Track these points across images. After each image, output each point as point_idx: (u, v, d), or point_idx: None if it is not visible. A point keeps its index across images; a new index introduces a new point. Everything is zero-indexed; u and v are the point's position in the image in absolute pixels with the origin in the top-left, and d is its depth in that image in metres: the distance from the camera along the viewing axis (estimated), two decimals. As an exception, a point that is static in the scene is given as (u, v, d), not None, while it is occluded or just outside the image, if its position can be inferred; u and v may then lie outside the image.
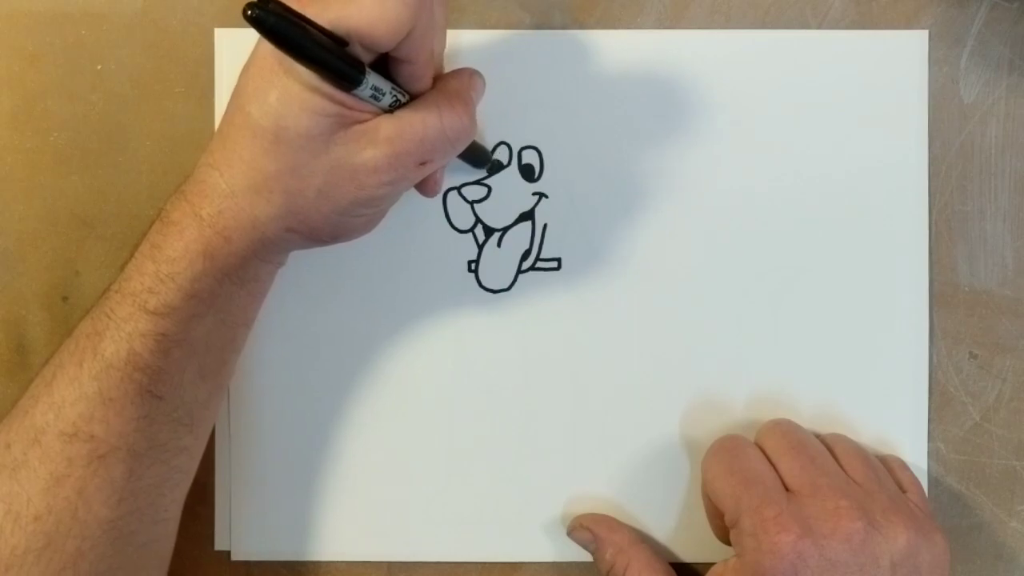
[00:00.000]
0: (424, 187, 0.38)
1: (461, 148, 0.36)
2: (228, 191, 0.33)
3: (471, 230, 0.42)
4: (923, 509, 0.37)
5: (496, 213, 0.42)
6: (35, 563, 0.32)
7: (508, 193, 0.42)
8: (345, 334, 0.42)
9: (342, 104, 0.32)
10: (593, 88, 0.41)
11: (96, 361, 0.33)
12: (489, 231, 0.42)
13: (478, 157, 0.40)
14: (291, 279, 0.41)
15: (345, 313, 0.42)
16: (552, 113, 0.41)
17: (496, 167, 0.41)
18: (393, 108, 0.33)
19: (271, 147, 0.32)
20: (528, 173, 0.42)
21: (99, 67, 0.42)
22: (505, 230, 0.42)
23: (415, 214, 0.42)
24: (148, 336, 0.34)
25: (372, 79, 0.31)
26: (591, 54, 0.41)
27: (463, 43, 0.41)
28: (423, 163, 0.34)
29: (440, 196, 0.42)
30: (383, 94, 0.32)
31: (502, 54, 0.41)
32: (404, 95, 0.34)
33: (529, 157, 0.42)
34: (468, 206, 0.42)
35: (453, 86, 0.35)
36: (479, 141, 0.40)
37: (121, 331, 0.34)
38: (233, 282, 0.35)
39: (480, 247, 0.42)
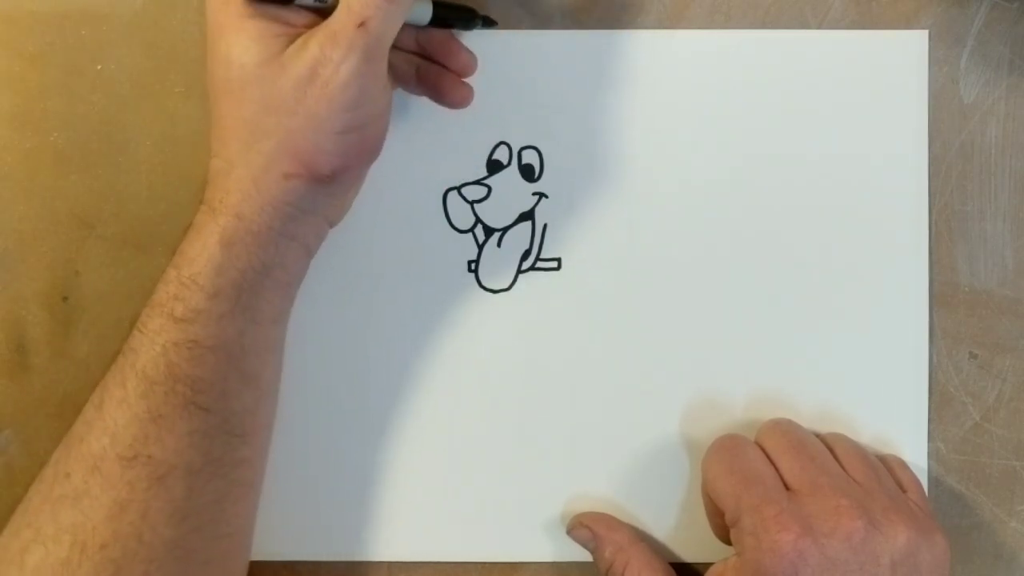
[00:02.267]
0: (451, 97, 0.39)
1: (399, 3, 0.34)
2: (226, 166, 0.34)
3: (471, 230, 0.42)
4: (923, 508, 0.37)
5: (496, 213, 0.42)
6: None
7: (508, 193, 0.42)
8: (344, 334, 0.42)
9: (287, 23, 0.33)
10: (593, 88, 0.41)
11: (138, 379, 0.33)
12: (489, 231, 0.42)
13: (460, 18, 0.39)
14: (291, 279, 0.41)
15: (344, 313, 0.42)
16: (552, 113, 0.41)
17: (489, 22, 0.40)
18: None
19: (241, 93, 0.33)
20: (528, 173, 0.42)
21: (99, 67, 0.42)
22: (505, 230, 0.42)
23: (415, 214, 0.42)
24: (181, 345, 0.34)
25: None
26: (591, 54, 0.41)
27: (463, 43, 0.41)
28: (360, 24, 0.33)
29: (440, 196, 0.42)
30: None
31: (502, 54, 0.41)
32: None
33: (529, 157, 0.42)
34: (468, 206, 0.42)
35: None
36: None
37: (155, 345, 0.34)
38: (256, 271, 0.35)
39: (480, 247, 0.42)
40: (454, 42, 0.39)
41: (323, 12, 0.34)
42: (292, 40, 0.33)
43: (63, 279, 0.42)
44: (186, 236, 0.35)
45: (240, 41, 0.33)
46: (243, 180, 0.34)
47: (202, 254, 0.34)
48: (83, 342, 0.42)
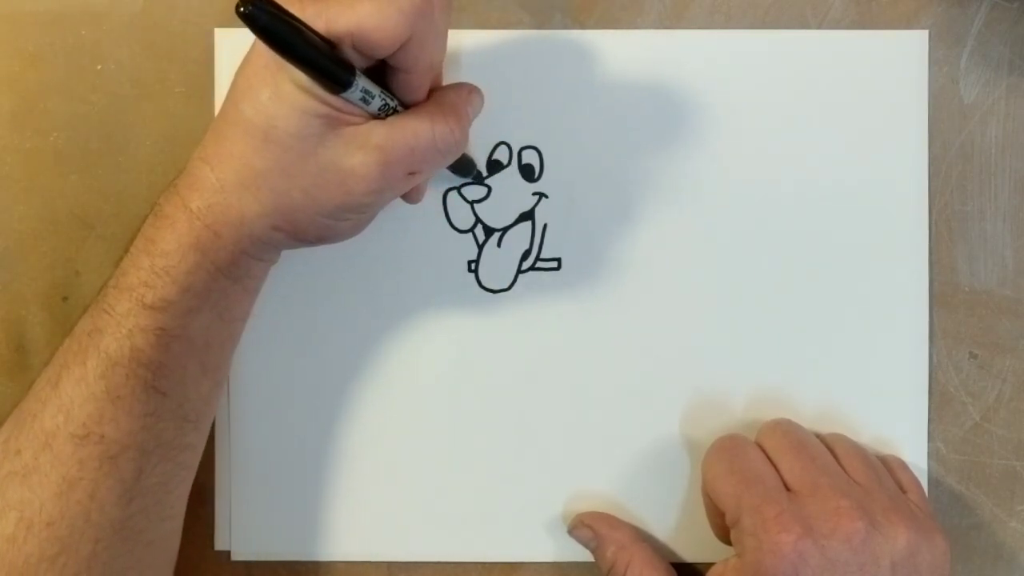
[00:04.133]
0: (409, 195, 0.39)
1: (451, 160, 0.36)
2: (218, 186, 0.34)
3: (471, 230, 0.42)
4: (923, 509, 0.37)
5: (496, 213, 0.42)
6: (49, 570, 0.32)
7: (508, 193, 0.42)
8: (345, 334, 0.42)
9: (332, 106, 0.32)
10: (593, 88, 0.41)
11: (100, 359, 0.33)
12: (489, 231, 0.42)
13: (464, 167, 0.40)
14: (291, 279, 0.41)
15: (345, 313, 0.42)
16: (552, 113, 0.41)
17: (479, 176, 0.41)
18: (383, 113, 0.33)
19: (261, 145, 0.33)
20: (528, 173, 0.42)
21: (99, 67, 0.42)
22: (505, 230, 0.42)
23: (415, 214, 0.42)
24: (148, 331, 0.34)
25: (363, 83, 0.31)
26: (591, 54, 0.41)
27: (463, 43, 0.41)
28: (412, 173, 0.34)
29: (440, 196, 0.42)
30: (372, 97, 0.32)
31: (502, 54, 0.41)
32: (393, 100, 0.34)
33: (529, 157, 0.42)
34: (468, 206, 0.42)
35: (450, 99, 0.35)
36: (467, 152, 0.40)
37: (122, 327, 0.34)
38: (227, 277, 0.35)
39: (480, 247, 0.42)
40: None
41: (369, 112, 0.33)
42: (330, 124, 0.32)
43: (63, 279, 0.42)
44: (156, 223, 0.34)
45: (282, 104, 0.32)
46: (231, 210, 0.34)
47: (176, 251, 0.34)
48: (83, 342, 0.42)
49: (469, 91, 0.37)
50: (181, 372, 0.35)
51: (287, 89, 0.32)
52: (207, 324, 0.35)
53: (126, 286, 0.34)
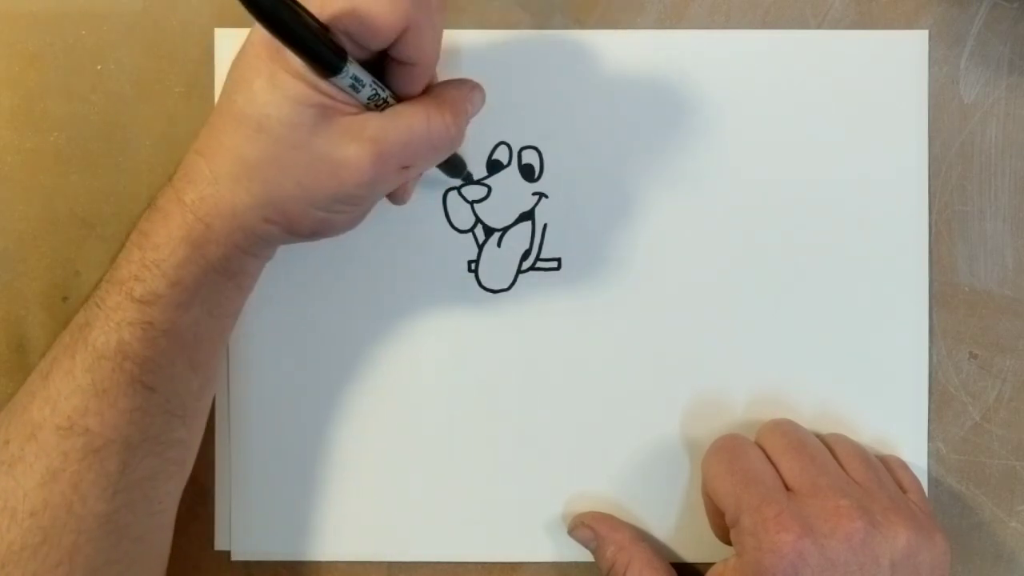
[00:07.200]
0: (395, 195, 0.39)
1: (445, 156, 0.36)
2: (211, 178, 0.34)
3: (471, 230, 0.42)
4: (923, 509, 0.37)
5: (496, 213, 0.42)
6: (31, 558, 0.33)
7: (508, 193, 0.42)
8: (345, 334, 0.42)
9: (326, 95, 0.32)
10: (593, 88, 0.41)
11: (88, 352, 0.34)
12: (489, 231, 0.42)
13: (455, 167, 0.40)
14: (291, 279, 0.41)
15: (345, 313, 0.42)
16: (552, 113, 0.41)
17: (469, 177, 0.41)
18: (372, 103, 0.33)
19: (254, 135, 0.33)
20: (528, 173, 0.42)
21: (99, 67, 0.42)
22: (505, 230, 0.42)
23: (415, 214, 0.42)
24: (136, 325, 0.34)
25: (353, 69, 0.31)
26: (591, 54, 0.41)
27: (463, 43, 0.41)
28: (405, 167, 0.34)
29: (440, 196, 0.42)
30: (363, 85, 0.32)
31: (502, 54, 0.41)
32: (385, 91, 0.33)
33: (529, 157, 0.42)
34: (468, 206, 0.42)
35: (450, 94, 0.35)
36: (459, 152, 0.40)
37: (110, 320, 0.34)
38: (219, 272, 0.35)
39: (480, 247, 0.42)
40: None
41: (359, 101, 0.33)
42: (324, 113, 0.32)
43: (63, 279, 0.42)
44: (150, 216, 0.34)
45: (275, 92, 0.32)
46: (223, 202, 0.34)
47: (168, 243, 0.34)
48: (83, 342, 0.42)
49: (471, 88, 0.36)
50: (169, 368, 0.35)
51: (281, 78, 0.32)
52: (196, 319, 0.35)
53: (117, 279, 0.34)
